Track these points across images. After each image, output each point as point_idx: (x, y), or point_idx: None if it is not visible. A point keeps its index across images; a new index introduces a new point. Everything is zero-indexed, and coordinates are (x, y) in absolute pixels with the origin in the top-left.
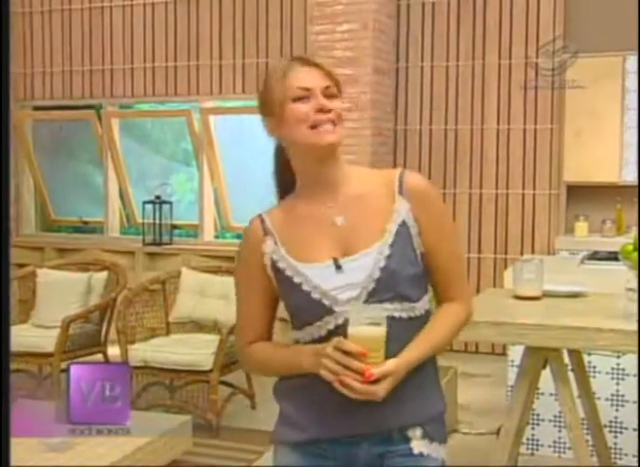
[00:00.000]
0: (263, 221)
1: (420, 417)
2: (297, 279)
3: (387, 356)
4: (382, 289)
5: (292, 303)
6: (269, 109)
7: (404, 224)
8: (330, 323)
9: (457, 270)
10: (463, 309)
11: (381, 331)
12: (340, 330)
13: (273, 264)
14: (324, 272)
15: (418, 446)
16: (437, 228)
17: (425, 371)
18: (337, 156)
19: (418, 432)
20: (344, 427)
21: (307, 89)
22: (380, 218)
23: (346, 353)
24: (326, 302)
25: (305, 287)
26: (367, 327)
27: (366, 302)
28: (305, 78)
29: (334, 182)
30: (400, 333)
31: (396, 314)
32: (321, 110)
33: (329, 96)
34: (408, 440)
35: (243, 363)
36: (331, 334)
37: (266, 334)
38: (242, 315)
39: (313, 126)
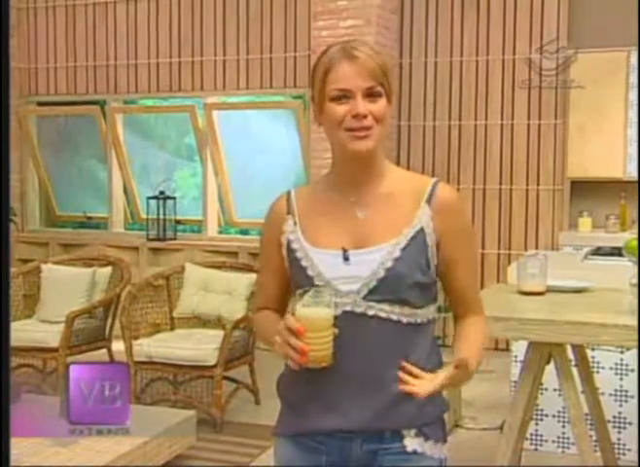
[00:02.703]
0: (289, 199)
1: (416, 421)
2: (304, 263)
3: (376, 357)
4: (383, 290)
5: (296, 285)
6: (313, 97)
7: (421, 231)
8: None
9: (474, 286)
10: (483, 321)
11: (325, 314)
12: (336, 320)
13: (288, 243)
14: (331, 261)
15: (412, 443)
16: (457, 241)
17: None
18: (374, 155)
19: (413, 431)
20: (337, 423)
21: (346, 90)
22: (401, 220)
23: (291, 331)
24: None
25: (310, 272)
26: (311, 308)
27: (364, 298)
28: (345, 78)
29: (364, 179)
30: (395, 336)
31: (393, 317)
32: (357, 116)
33: (371, 96)
34: (401, 437)
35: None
36: None
37: (277, 304)
38: (258, 281)
39: (348, 130)
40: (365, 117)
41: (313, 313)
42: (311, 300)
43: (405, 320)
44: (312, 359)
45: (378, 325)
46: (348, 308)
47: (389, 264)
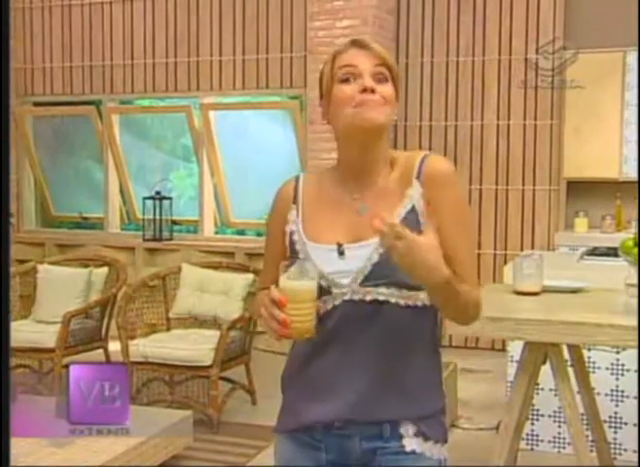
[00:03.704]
0: (297, 186)
1: (414, 413)
2: (301, 255)
3: (378, 341)
4: (379, 274)
5: None
6: (321, 92)
7: (413, 210)
8: (328, 302)
9: (469, 260)
10: (475, 291)
11: (308, 285)
12: (338, 310)
13: (290, 234)
14: (326, 255)
15: (411, 443)
16: (449, 213)
17: (427, 367)
18: (382, 140)
19: (411, 430)
20: (333, 412)
21: (353, 67)
22: (393, 203)
23: (275, 302)
24: (323, 282)
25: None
26: (294, 280)
27: (361, 284)
28: (353, 57)
29: (368, 171)
30: (396, 318)
31: (392, 300)
32: (365, 90)
33: (378, 80)
34: (400, 437)
35: None
36: (328, 313)
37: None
38: (263, 263)
39: (357, 106)
40: (373, 91)
41: (296, 285)
42: (295, 272)
43: (402, 302)
44: (294, 331)
45: (378, 310)
46: (347, 297)
47: (382, 248)
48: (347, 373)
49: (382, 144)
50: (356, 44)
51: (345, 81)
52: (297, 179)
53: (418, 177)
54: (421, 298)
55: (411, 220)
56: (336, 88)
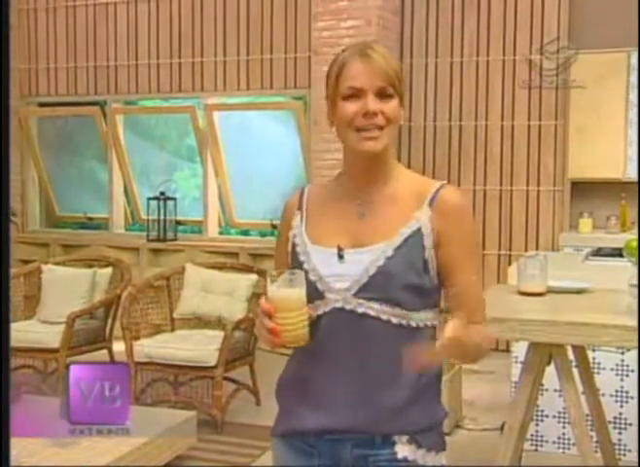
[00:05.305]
0: (302, 195)
1: (407, 429)
2: (302, 257)
3: (365, 356)
4: (374, 287)
5: None
6: (327, 96)
7: (419, 231)
8: (319, 308)
9: (474, 293)
10: (481, 328)
11: (296, 294)
12: (327, 317)
13: (293, 237)
14: (326, 258)
15: (403, 450)
16: (457, 244)
17: (420, 384)
18: (384, 154)
19: (404, 437)
20: (322, 421)
21: (358, 89)
22: (400, 221)
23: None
24: (319, 286)
25: (306, 266)
26: (282, 289)
27: (355, 295)
28: (358, 77)
29: (372, 180)
30: (387, 336)
31: (383, 317)
32: (367, 114)
33: (383, 96)
34: (392, 444)
35: None
36: (319, 319)
37: None
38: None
39: (359, 130)
40: (375, 115)
41: (284, 294)
42: (284, 281)
43: (394, 321)
44: (286, 339)
45: (368, 324)
46: (339, 305)
47: (381, 262)
48: (338, 383)
49: (385, 158)
50: (361, 54)
51: (349, 97)
52: (302, 190)
53: (430, 203)
54: (415, 318)
55: (415, 241)
56: (340, 104)
